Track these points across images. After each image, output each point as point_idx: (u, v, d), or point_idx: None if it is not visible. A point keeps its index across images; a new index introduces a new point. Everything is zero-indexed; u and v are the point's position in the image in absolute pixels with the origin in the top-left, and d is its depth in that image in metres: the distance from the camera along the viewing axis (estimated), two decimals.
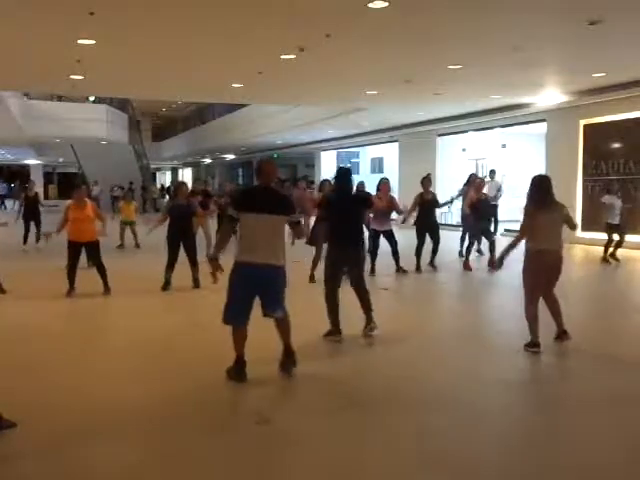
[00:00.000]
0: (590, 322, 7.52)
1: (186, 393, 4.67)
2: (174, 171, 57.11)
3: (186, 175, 52.55)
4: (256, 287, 4.80)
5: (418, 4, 7.61)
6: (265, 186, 4.94)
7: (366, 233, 9.61)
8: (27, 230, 14.58)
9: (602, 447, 3.80)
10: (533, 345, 5.67)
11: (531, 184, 5.84)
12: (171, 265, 8.98)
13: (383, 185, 10.34)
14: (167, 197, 36.08)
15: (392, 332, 6.49)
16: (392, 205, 10.32)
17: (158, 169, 56.40)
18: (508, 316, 7.41)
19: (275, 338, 5.04)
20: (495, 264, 6.68)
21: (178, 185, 10.12)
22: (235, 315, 4.82)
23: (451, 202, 13.11)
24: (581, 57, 10.90)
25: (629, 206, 12.99)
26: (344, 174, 6.40)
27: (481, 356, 5.72)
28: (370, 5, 7.45)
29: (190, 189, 10.40)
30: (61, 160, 41.23)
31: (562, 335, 5.86)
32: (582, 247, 14.58)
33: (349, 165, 29.07)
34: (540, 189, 5.76)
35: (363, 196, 7.64)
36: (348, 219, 6.17)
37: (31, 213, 14.62)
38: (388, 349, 5.94)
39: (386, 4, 7.41)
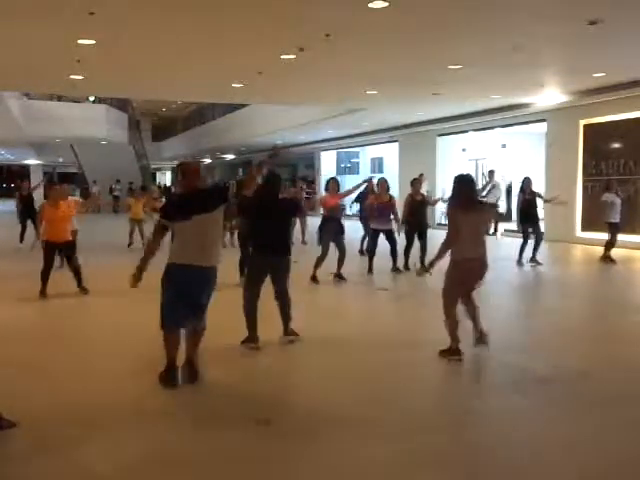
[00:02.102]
0: (590, 322, 7.53)
1: (184, 392, 4.68)
2: (174, 171, 57.05)
3: None
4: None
5: (418, 4, 7.61)
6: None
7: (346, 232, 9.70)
8: (24, 228, 14.80)
9: (601, 449, 3.80)
10: (454, 352, 5.36)
11: (454, 184, 5.46)
12: None
13: (381, 184, 10.54)
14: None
15: (392, 333, 6.51)
16: (391, 204, 10.41)
17: (158, 169, 56.34)
18: (506, 317, 7.42)
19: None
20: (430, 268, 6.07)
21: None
22: None
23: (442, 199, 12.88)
24: (581, 57, 10.90)
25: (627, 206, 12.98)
26: (272, 178, 5.99)
27: (481, 356, 5.70)
28: (370, 5, 7.45)
29: None
30: (61, 160, 41.21)
31: (482, 337, 5.54)
32: (582, 247, 14.60)
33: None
34: (462, 190, 5.39)
35: (292, 203, 7.06)
36: (272, 225, 5.86)
37: (27, 212, 14.72)
38: (388, 351, 5.94)
39: (386, 4, 7.41)
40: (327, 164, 31.09)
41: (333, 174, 30.29)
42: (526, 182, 11.67)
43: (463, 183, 5.48)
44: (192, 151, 39.00)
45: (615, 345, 6.17)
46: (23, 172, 47.42)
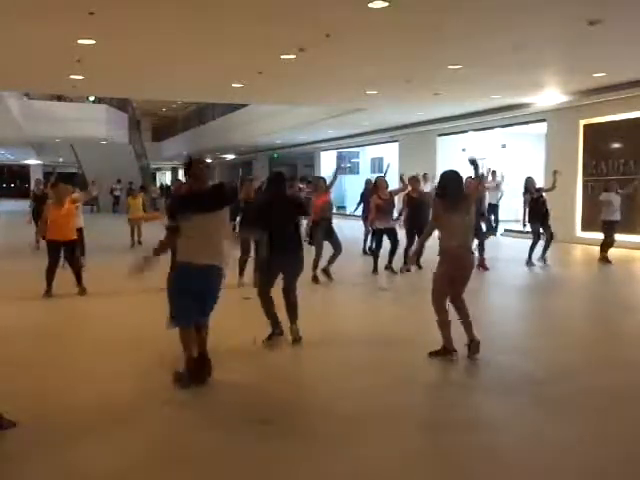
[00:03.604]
0: (590, 323, 7.53)
1: (185, 392, 4.68)
2: (174, 171, 57.06)
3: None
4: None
5: (418, 4, 7.61)
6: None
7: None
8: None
9: (601, 449, 3.80)
10: (448, 352, 5.40)
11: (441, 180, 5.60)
12: None
13: (380, 183, 10.39)
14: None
15: (390, 333, 6.51)
16: (392, 202, 10.37)
17: (158, 169, 56.35)
18: (506, 318, 7.42)
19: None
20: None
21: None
22: None
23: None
24: (581, 57, 10.90)
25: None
26: (278, 178, 6.18)
27: (480, 357, 5.70)
28: (370, 5, 7.45)
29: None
30: (61, 160, 41.20)
31: (473, 346, 5.46)
32: (582, 247, 14.60)
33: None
34: (454, 184, 5.50)
35: (299, 201, 7.00)
36: (285, 225, 5.94)
37: (40, 211, 14.76)
38: (385, 350, 5.93)
39: (386, 4, 7.41)
40: (327, 164, 31.09)
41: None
42: (529, 181, 11.65)
43: (451, 180, 5.52)
44: (192, 151, 39.03)
45: (615, 346, 6.17)
46: (23, 172, 47.50)
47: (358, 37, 9.16)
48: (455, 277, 5.46)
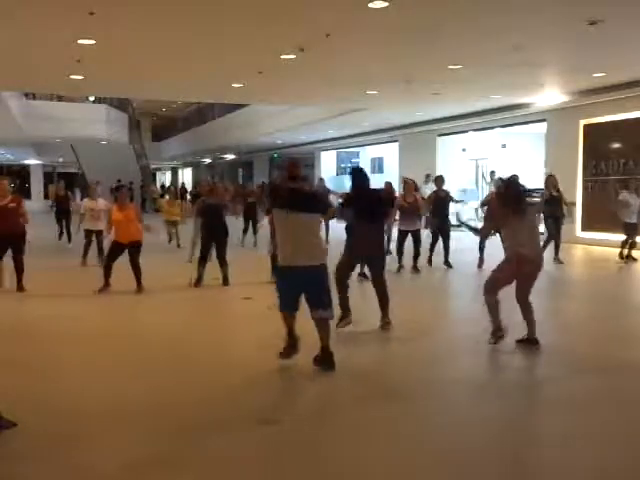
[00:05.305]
0: (597, 322, 7.52)
1: (188, 393, 4.68)
2: (174, 171, 57.08)
3: (186, 175, 52.57)
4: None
5: (418, 4, 7.61)
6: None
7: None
8: (60, 227, 15.34)
9: (605, 448, 3.80)
10: (497, 332, 5.72)
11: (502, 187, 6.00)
12: (203, 261, 9.02)
13: (409, 186, 10.72)
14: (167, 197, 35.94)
15: (405, 332, 6.51)
16: (418, 205, 10.62)
17: (158, 169, 56.33)
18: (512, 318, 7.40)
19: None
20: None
21: (213, 185, 10.56)
22: None
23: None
24: (581, 57, 10.90)
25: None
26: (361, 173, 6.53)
27: (490, 357, 5.70)
28: (370, 5, 7.45)
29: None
30: (61, 160, 41.18)
31: (533, 342, 5.77)
32: (582, 247, 14.60)
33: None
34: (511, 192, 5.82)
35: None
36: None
37: (62, 211, 15.12)
38: (397, 347, 5.93)
39: (386, 4, 7.41)
40: (327, 164, 31.09)
41: (333, 174, 30.34)
42: (552, 179, 11.68)
43: (512, 186, 5.88)
44: (192, 151, 39.02)
45: (622, 345, 6.16)
46: (23, 172, 47.47)
47: (358, 37, 9.16)
48: (518, 276, 5.74)
